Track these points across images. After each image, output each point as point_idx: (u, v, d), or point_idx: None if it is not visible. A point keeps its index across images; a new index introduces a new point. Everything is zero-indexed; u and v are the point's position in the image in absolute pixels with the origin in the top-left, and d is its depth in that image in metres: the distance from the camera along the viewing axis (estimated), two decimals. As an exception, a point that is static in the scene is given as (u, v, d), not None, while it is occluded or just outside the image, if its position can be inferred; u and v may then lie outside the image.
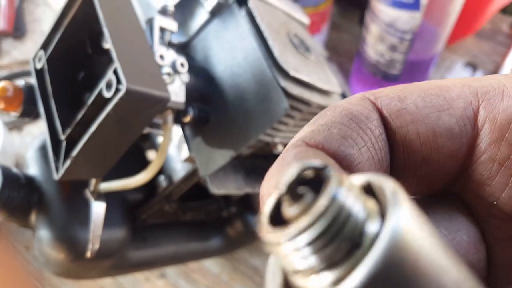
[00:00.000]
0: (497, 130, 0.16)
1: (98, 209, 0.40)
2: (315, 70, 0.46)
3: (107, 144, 0.35)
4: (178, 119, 0.43)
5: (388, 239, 0.09)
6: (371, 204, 0.11)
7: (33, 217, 0.44)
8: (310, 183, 0.11)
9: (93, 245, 0.40)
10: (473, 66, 0.96)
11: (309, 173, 0.11)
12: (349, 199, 0.10)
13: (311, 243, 0.10)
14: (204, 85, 0.45)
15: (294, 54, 0.44)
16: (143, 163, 0.49)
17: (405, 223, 0.10)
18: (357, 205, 0.10)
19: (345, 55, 0.97)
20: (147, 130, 0.43)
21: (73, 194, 0.44)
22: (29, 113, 0.43)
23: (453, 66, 0.96)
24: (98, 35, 0.41)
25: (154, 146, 0.56)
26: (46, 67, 0.41)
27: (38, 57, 0.42)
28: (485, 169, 0.16)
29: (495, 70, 0.92)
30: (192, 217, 0.57)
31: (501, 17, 1.05)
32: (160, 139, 0.54)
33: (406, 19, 0.67)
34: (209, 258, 0.65)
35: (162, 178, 0.51)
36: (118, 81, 0.31)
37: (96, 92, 0.33)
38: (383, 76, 0.78)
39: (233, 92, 0.43)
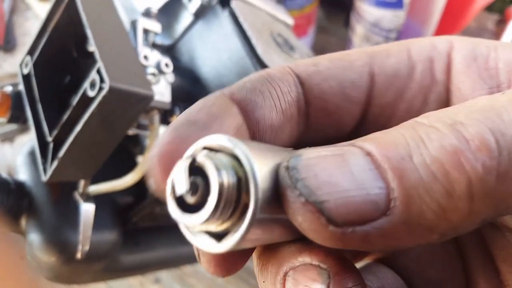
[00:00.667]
0: (386, 80, 0.21)
1: (87, 210, 0.40)
2: (299, 67, 0.46)
3: (93, 143, 0.35)
4: (165, 120, 0.43)
5: (253, 200, 0.14)
6: (234, 164, 0.15)
7: (23, 222, 0.44)
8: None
9: (83, 247, 0.41)
10: (459, 64, 0.97)
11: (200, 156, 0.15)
12: (228, 179, 0.14)
13: (220, 215, 0.14)
14: (190, 86, 0.45)
15: (278, 52, 0.45)
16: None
17: (258, 176, 0.14)
18: (232, 179, 0.14)
19: (333, 57, 0.98)
20: (134, 131, 0.43)
21: (63, 197, 0.45)
22: (17, 118, 0.43)
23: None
24: (83, 39, 0.41)
25: (144, 151, 0.56)
26: (32, 72, 0.42)
27: (25, 62, 0.43)
28: (376, 111, 0.21)
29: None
30: (184, 219, 0.57)
31: (486, 15, 1.06)
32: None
33: (390, 18, 0.68)
34: (203, 261, 0.65)
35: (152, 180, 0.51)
36: (102, 80, 0.32)
37: (80, 92, 0.34)
38: (371, 76, 0.79)
39: (218, 92, 0.44)
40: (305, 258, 0.17)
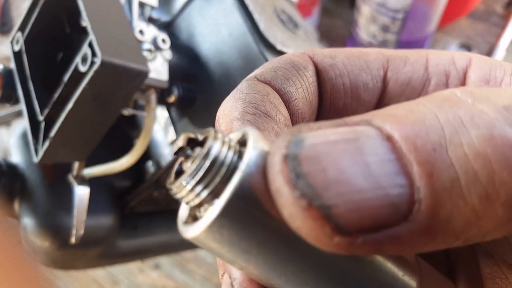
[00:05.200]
0: (398, 87, 0.20)
1: (81, 193, 0.39)
2: (303, 45, 0.44)
3: (86, 122, 0.33)
4: (162, 100, 0.42)
5: (244, 166, 0.13)
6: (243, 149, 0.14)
7: (16, 205, 0.43)
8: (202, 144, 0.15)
9: (77, 231, 0.39)
10: (467, 47, 0.95)
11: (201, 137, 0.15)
12: (222, 148, 0.14)
13: (198, 183, 0.14)
14: (189, 64, 0.43)
15: (281, 29, 0.43)
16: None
17: (252, 158, 0.13)
18: (229, 152, 0.14)
19: (337, 40, 0.96)
20: (130, 111, 0.41)
21: (57, 180, 0.43)
22: (8, 98, 0.42)
23: (447, 47, 0.95)
24: (76, 13, 0.39)
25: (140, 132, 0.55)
26: (24, 48, 0.40)
27: (16, 39, 0.41)
28: None
29: (490, 51, 0.91)
30: (183, 203, 0.56)
31: (495, -3, 1.03)
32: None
33: (397, -3, 0.66)
34: (203, 246, 0.64)
35: (150, 163, 0.49)
36: (94, 54, 0.30)
37: (72, 68, 0.32)
38: (376, 58, 0.77)
39: (219, 70, 0.42)
40: None
